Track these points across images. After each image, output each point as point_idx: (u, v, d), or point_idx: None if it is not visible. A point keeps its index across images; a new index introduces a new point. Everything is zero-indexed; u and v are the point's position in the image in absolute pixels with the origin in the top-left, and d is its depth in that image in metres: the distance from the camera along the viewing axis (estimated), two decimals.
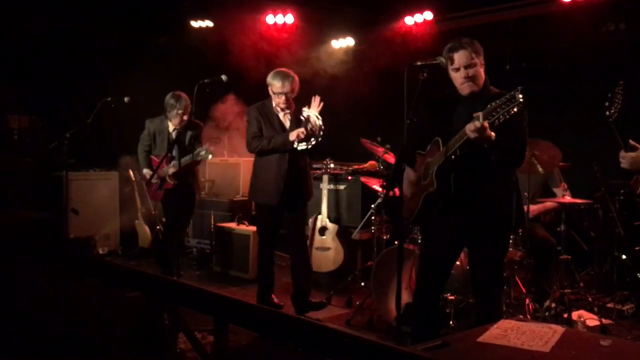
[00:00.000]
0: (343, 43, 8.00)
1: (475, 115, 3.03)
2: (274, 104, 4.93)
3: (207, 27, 7.95)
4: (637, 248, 5.35)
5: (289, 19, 7.66)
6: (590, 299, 4.91)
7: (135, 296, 3.01)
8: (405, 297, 4.10)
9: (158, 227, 7.06)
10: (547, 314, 4.58)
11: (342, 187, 6.41)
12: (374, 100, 7.26)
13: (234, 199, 7.28)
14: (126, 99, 5.84)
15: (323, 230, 6.10)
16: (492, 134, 3.06)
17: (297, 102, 4.97)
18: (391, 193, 3.74)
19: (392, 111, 4.32)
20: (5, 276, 3.30)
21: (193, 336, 2.64)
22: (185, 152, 5.44)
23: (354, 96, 7.32)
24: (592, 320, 4.55)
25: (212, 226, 6.96)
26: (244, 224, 6.59)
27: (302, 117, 4.82)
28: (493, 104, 2.99)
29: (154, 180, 5.50)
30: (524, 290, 4.81)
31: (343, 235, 6.12)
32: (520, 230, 4.72)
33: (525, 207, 4.38)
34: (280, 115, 4.95)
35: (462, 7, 6.96)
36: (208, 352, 2.69)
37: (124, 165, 7.47)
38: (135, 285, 2.85)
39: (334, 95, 6.62)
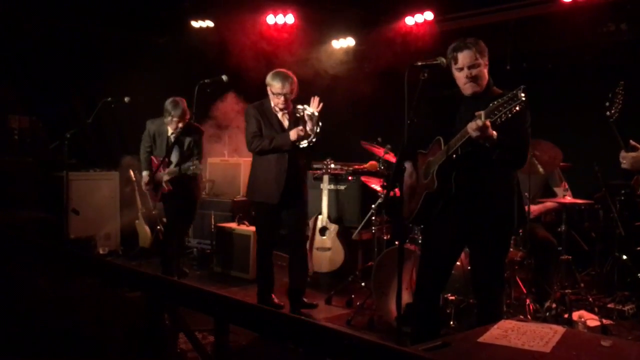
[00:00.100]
0: (343, 43, 7.99)
1: (477, 113, 3.03)
2: (272, 104, 4.93)
3: (207, 27, 7.96)
4: (637, 248, 5.35)
5: (290, 19, 7.66)
6: (590, 299, 4.91)
7: (135, 296, 3.00)
8: (406, 298, 4.09)
9: (158, 227, 7.06)
10: (547, 314, 4.57)
11: (342, 187, 6.41)
12: (375, 101, 7.25)
13: (235, 199, 7.28)
14: (126, 99, 5.85)
15: (323, 230, 6.10)
16: (494, 132, 3.06)
17: (296, 103, 4.97)
18: (392, 193, 3.72)
19: (393, 111, 4.31)
20: (5, 276, 3.29)
21: (193, 336, 2.64)
22: (183, 157, 5.47)
23: (355, 96, 7.31)
24: (592, 321, 4.55)
25: (213, 226, 6.96)
26: (244, 224, 6.59)
27: (297, 114, 4.83)
28: (495, 102, 2.99)
29: (150, 185, 5.59)
30: (524, 291, 4.81)
31: (343, 235, 6.12)
32: (520, 231, 4.72)
33: (526, 208, 4.38)
34: (279, 115, 4.96)
35: (462, 8, 6.95)
36: (208, 352, 2.68)
37: (125, 165, 7.48)
38: (135, 285, 2.85)
39: (335, 95, 6.62)
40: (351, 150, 6.71)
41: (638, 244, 5.37)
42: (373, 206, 5.56)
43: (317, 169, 6.40)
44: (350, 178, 6.37)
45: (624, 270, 5.33)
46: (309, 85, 5.83)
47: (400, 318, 3.19)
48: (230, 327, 2.38)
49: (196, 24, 7.96)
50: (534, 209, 5.08)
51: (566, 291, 4.69)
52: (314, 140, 4.77)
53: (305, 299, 5.23)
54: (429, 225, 3.59)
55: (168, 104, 5.48)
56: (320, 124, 4.74)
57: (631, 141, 3.34)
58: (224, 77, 5.04)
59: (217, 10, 7.60)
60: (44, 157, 6.95)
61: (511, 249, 4.56)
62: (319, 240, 6.12)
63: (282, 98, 4.83)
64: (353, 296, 5.45)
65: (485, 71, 3.37)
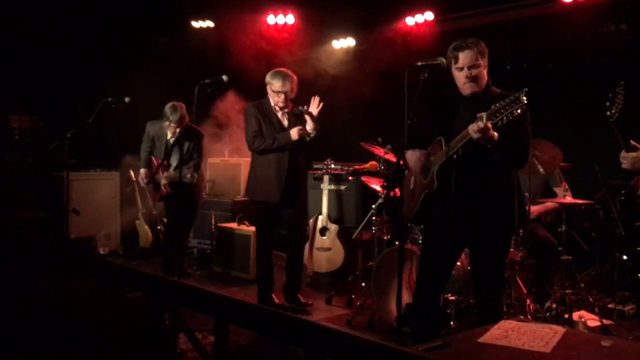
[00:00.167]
0: (344, 43, 7.99)
1: (478, 115, 3.03)
2: (272, 103, 4.94)
3: (207, 28, 7.95)
4: (638, 248, 5.35)
5: (290, 19, 7.66)
6: (591, 299, 4.91)
7: (135, 296, 3.01)
8: (406, 298, 4.09)
9: (159, 227, 7.06)
10: (548, 314, 4.57)
11: (343, 187, 6.42)
12: (375, 101, 7.25)
13: (235, 199, 7.29)
14: (127, 99, 5.86)
15: (324, 230, 6.10)
16: (495, 134, 3.06)
17: (296, 103, 4.98)
18: (392, 193, 3.73)
19: (393, 112, 4.31)
20: (6, 276, 3.30)
21: (194, 336, 2.64)
22: (183, 161, 5.47)
23: (355, 96, 7.31)
24: (593, 321, 4.54)
25: (213, 226, 6.96)
26: (244, 224, 6.59)
27: (296, 113, 4.86)
28: (497, 104, 2.98)
29: (150, 184, 5.60)
30: (524, 291, 4.81)
31: (344, 235, 6.12)
32: (521, 231, 4.72)
33: (527, 208, 4.38)
34: (279, 114, 4.97)
35: (463, 8, 6.95)
36: (209, 353, 2.68)
37: (125, 165, 7.47)
38: (135, 286, 2.85)
39: (335, 95, 6.62)
40: (351, 150, 6.71)
41: (638, 244, 5.36)
42: (373, 206, 5.56)
43: (317, 169, 6.40)
44: (350, 178, 6.37)
45: (624, 270, 5.33)
46: (309, 85, 5.83)
47: (401, 318, 3.19)
48: (230, 327, 2.38)
49: (196, 24, 7.96)
50: (534, 209, 5.08)
51: (566, 291, 4.69)
52: (312, 135, 4.81)
53: (300, 297, 5.26)
54: (429, 226, 3.59)
55: (167, 108, 5.49)
56: (318, 120, 4.77)
57: (631, 141, 3.33)
58: (224, 78, 5.05)
59: (217, 10, 7.59)
60: (45, 157, 6.95)
61: (511, 249, 4.55)
62: (319, 240, 6.11)
63: (282, 96, 4.84)
64: (353, 296, 5.45)
65: (485, 72, 3.37)
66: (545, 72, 6.65)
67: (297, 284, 5.23)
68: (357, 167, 6.44)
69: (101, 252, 7.26)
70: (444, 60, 3.28)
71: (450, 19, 7.09)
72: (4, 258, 3.40)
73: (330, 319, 5.05)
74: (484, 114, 3.01)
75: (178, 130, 5.48)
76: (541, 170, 4.70)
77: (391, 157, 5.48)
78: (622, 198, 5.53)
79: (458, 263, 4.25)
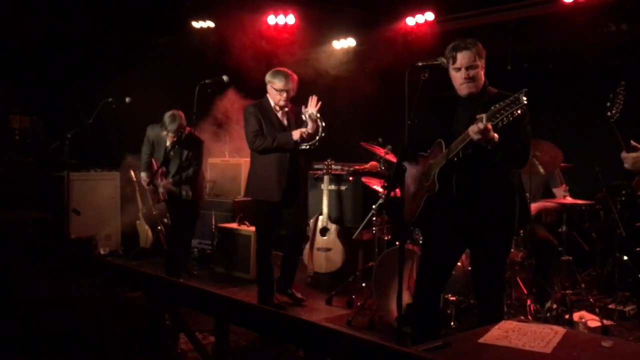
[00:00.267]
0: (344, 43, 7.99)
1: (478, 117, 3.02)
2: (272, 103, 4.94)
3: (208, 28, 7.95)
4: (638, 249, 5.35)
5: (290, 19, 7.65)
6: (591, 299, 4.90)
7: (136, 296, 3.00)
8: (406, 298, 4.09)
9: (159, 227, 7.06)
10: (548, 314, 4.57)
11: (343, 187, 6.41)
12: (375, 101, 7.25)
13: (236, 199, 7.28)
14: (127, 100, 5.87)
15: (324, 230, 6.10)
16: (496, 135, 3.05)
17: (297, 103, 4.98)
18: (392, 194, 3.72)
19: (393, 112, 4.32)
20: (6, 276, 3.30)
21: (194, 336, 2.64)
22: (181, 168, 5.48)
23: (355, 97, 7.31)
24: (593, 321, 4.54)
25: (214, 226, 6.96)
26: (245, 224, 6.59)
27: (303, 117, 4.84)
28: (497, 105, 2.98)
29: (150, 185, 5.62)
30: (525, 291, 4.81)
31: (344, 235, 6.12)
32: (521, 231, 4.72)
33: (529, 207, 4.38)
34: (279, 114, 4.97)
35: (463, 8, 6.95)
36: (209, 353, 2.68)
37: (126, 165, 7.48)
38: (136, 286, 2.85)
39: (335, 95, 6.62)
40: (352, 150, 6.71)
41: (639, 244, 5.36)
42: (374, 206, 5.56)
43: (318, 169, 6.40)
44: (350, 178, 6.37)
45: (625, 270, 5.32)
46: (310, 85, 5.83)
47: (401, 318, 3.19)
48: (231, 327, 2.38)
49: (197, 24, 7.96)
50: (533, 207, 5.08)
51: (567, 292, 4.69)
52: (316, 144, 4.81)
53: (295, 291, 5.34)
54: (430, 226, 3.59)
55: (166, 117, 5.50)
56: (324, 126, 4.76)
57: (632, 142, 3.34)
58: (225, 78, 5.05)
59: (217, 10, 7.59)
60: (45, 157, 6.95)
61: (512, 250, 4.56)
62: (319, 240, 6.11)
63: (284, 95, 4.85)
64: (353, 296, 5.45)
65: (482, 73, 3.37)
66: (546, 72, 6.65)
67: (290, 279, 5.31)
68: (357, 167, 6.44)
69: (101, 252, 7.26)
70: (444, 60, 3.28)
71: (450, 19, 7.08)
72: (4, 258, 3.40)
73: (331, 319, 5.05)
74: (484, 115, 3.01)
75: (175, 139, 5.49)
76: (542, 170, 4.70)
77: (392, 158, 5.48)
78: (623, 198, 5.53)
79: (458, 263, 4.25)
